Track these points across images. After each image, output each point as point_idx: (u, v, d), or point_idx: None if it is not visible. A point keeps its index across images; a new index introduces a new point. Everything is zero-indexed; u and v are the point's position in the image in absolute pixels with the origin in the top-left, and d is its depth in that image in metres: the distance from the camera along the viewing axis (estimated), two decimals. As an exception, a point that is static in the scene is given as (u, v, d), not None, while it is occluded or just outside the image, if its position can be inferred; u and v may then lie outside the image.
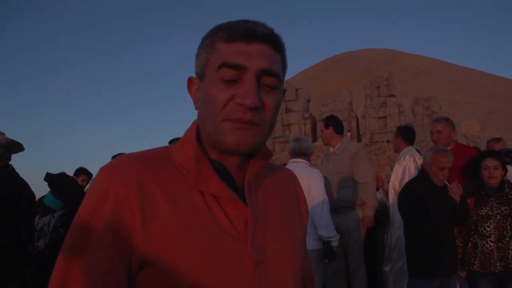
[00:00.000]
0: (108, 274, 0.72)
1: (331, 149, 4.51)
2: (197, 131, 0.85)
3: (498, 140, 5.86)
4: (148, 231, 0.74)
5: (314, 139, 19.05)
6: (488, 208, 3.24)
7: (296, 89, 20.95)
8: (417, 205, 3.15)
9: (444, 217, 3.07)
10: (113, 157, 5.27)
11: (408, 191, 3.29)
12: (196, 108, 0.86)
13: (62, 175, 3.90)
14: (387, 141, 18.36)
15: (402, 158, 4.41)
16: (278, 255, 0.83)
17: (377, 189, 5.48)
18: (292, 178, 1.03)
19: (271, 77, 0.79)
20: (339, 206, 4.23)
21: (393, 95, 20.28)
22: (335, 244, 3.63)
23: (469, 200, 3.29)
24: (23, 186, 3.04)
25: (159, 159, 0.83)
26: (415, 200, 3.16)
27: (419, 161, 4.26)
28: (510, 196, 3.26)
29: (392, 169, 4.82)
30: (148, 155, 0.83)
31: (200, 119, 0.84)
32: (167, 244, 0.74)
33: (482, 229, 3.23)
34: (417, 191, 3.21)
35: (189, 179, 0.80)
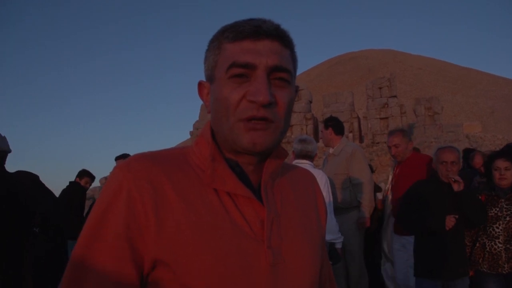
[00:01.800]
0: (119, 273, 0.71)
1: (330, 150, 4.51)
2: (212, 132, 0.84)
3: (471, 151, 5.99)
4: (162, 230, 0.73)
5: (316, 140, 19.01)
6: (498, 209, 3.21)
7: (298, 90, 20.93)
8: (414, 205, 3.16)
9: (447, 216, 3.04)
10: (116, 158, 5.27)
11: (409, 192, 3.30)
12: (209, 112, 0.85)
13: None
14: (389, 142, 18.30)
15: None
16: (294, 257, 0.82)
17: (380, 190, 5.47)
18: (310, 178, 1.01)
19: (282, 73, 0.78)
20: (336, 207, 4.22)
21: (395, 96, 20.25)
22: (339, 246, 3.61)
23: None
24: (13, 185, 2.99)
25: (174, 158, 0.82)
26: (416, 199, 3.17)
27: None
28: None
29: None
30: (162, 154, 0.82)
31: (214, 121, 0.83)
32: (181, 243, 0.73)
33: (491, 229, 3.20)
34: (420, 191, 3.21)
35: (205, 177, 0.79)
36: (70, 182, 5.94)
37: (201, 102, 1.18)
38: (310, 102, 21.25)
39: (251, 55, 0.76)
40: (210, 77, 0.83)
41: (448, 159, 3.10)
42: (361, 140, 20.48)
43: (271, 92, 0.76)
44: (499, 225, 3.18)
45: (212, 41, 0.83)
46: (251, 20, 0.80)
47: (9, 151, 3.10)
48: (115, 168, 0.79)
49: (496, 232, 3.19)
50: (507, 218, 3.17)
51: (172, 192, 0.76)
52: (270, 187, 0.85)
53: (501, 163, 3.25)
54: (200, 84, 0.88)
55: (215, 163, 0.79)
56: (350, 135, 19.72)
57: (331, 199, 3.61)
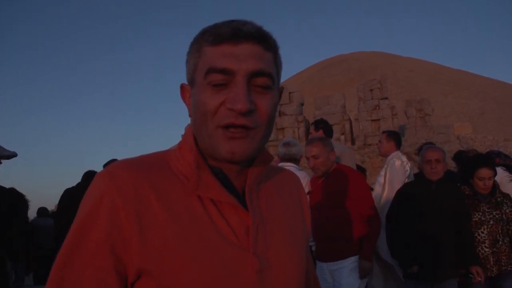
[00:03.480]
0: (100, 282, 0.71)
1: None
2: (194, 137, 0.82)
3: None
4: (145, 240, 0.72)
5: (308, 143, 19.07)
6: (480, 214, 3.24)
7: (290, 93, 20.99)
8: (403, 206, 3.21)
9: (434, 216, 3.09)
10: (105, 165, 5.21)
11: (399, 194, 3.34)
12: (190, 115, 0.83)
13: None
14: (381, 144, 18.40)
15: (391, 162, 4.42)
16: (281, 262, 0.81)
17: (372, 189, 5.47)
18: (295, 180, 0.99)
19: (263, 77, 0.75)
20: None
21: (386, 98, 20.38)
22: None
23: None
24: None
25: (156, 165, 0.80)
26: (405, 201, 3.22)
27: (408, 165, 4.31)
28: (499, 199, 3.28)
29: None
30: (145, 160, 0.81)
31: (194, 126, 0.81)
32: (165, 253, 0.72)
33: (476, 235, 3.23)
34: (408, 192, 3.27)
35: (189, 184, 0.78)
36: (79, 185, 5.84)
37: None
38: (302, 104, 21.29)
39: (230, 60, 0.74)
40: (191, 81, 0.81)
41: (432, 157, 3.15)
42: (352, 142, 20.54)
43: (251, 99, 0.74)
44: (484, 229, 3.21)
45: (193, 44, 0.81)
46: (231, 22, 0.77)
47: (8, 155, 3.05)
48: (96, 176, 0.77)
49: (481, 237, 3.22)
50: (491, 222, 3.20)
51: (156, 200, 0.74)
52: (254, 192, 0.83)
53: (485, 173, 3.24)
54: (182, 87, 0.85)
55: (199, 170, 0.78)
56: (342, 137, 19.77)
57: None
